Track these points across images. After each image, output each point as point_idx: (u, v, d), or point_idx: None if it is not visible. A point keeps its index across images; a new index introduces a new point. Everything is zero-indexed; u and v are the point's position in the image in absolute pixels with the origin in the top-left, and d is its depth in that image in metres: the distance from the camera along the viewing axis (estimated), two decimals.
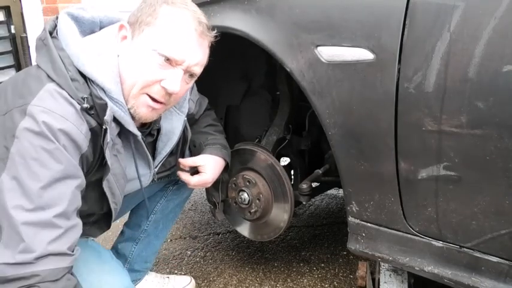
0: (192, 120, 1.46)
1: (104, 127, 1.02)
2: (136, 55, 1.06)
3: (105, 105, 1.02)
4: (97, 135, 1.04)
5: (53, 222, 0.94)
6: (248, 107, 1.84)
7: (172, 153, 1.40)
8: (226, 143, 1.49)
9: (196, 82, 1.45)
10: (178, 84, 1.07)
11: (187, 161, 1.41)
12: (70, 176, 0.97)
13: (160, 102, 1.09)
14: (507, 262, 1.04)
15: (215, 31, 1.15)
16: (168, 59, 1.05)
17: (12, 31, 3.53)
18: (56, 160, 0.95)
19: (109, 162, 1.05)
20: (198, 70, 1.13)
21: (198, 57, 1.10)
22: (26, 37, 3.58)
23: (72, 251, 0.98)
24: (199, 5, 1.14)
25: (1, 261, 0.90)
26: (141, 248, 1.61)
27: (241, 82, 1.79)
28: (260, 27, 1.25)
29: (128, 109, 1.07)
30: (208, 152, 1.42)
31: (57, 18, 1.08)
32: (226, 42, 1.38)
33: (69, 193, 0.97)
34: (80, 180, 1.00)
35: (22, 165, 0.93)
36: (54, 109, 0.96)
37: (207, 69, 1.18)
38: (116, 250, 1.62)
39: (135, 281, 1.65)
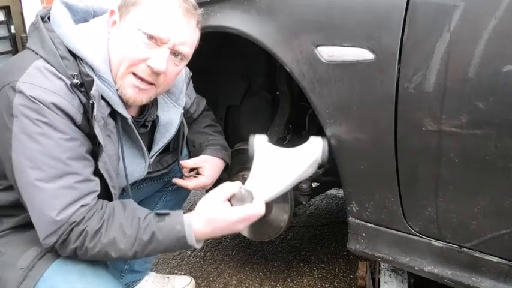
0: (190, 119, 1.46)
1: (90, 102, 1.02)
2: (123, 36, 1.07)
3: (92, 82, 1.02)
4: (89, 112, 1.04)
5: (74, 187, 1.00)
6: (248, 107, 1.84)
7: (169, 151, 1.40)
8: (226, 144, 1.49)
9: (197, 82, 1.45)
10: (164, 62, 1.06)
11: (187, 163, 1.41)
12: (77, 142, 1.01)
13: (148, 82, 1.09)
14: (507, 262, 1.04)
15: (201, 9, 1.14)
16: (152, 38, 1.05)
17: (12, 31, 3.52)
18: (60, 131, 0.98)
19: (101, 140, 1.04)
20: (185, 50, 1.11)
21: (183, 35, 1.08)
22: (26, 37, 3.57)
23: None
24: (199, 5, 1.14)
25: (42, 238, 1.00)
26: None
27: (241, 82, 1.79)
28: (260, 27, 1.25)
29: (116, 90, 1.08)
30: (208, 153, 1.42)
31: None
32: (226, 42, 1.38)
33: (81, 158, 1.02)
34: (88, 145, 1.05)
35: (30, 142, 0.96)
36: (43, 84, 0.97)
37: (207, 69, 1.18)
38: None
39: (135, 281, 1.65)
